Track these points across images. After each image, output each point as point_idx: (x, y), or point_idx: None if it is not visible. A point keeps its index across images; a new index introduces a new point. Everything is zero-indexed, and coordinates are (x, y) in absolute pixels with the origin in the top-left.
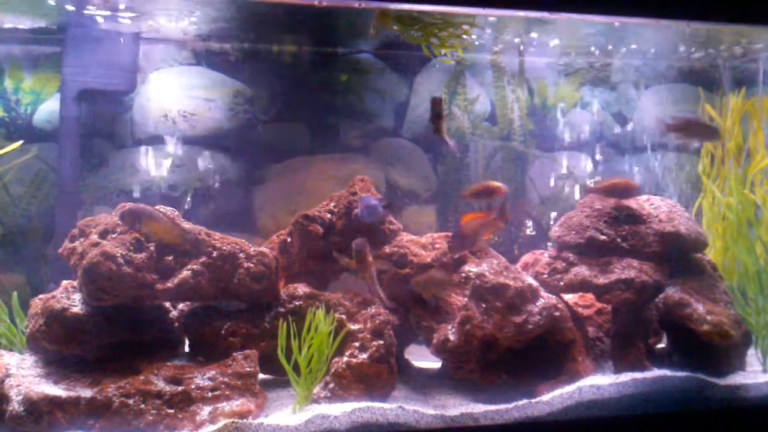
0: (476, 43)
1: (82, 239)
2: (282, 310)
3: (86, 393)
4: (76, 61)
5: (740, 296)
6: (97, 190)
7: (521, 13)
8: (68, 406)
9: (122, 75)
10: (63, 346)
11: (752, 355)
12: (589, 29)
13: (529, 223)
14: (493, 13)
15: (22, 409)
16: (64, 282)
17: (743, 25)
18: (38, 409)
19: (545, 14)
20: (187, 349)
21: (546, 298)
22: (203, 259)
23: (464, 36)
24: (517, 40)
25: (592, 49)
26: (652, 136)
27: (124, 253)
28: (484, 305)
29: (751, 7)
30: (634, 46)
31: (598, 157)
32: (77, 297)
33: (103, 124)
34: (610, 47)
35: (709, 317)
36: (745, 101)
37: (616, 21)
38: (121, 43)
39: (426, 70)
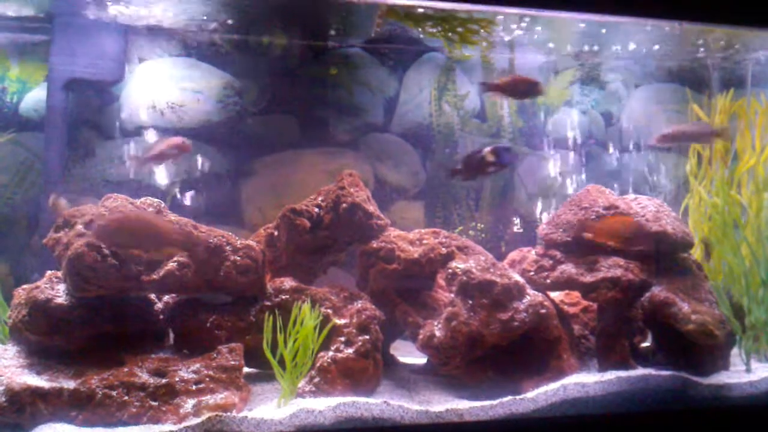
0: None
1: (67, 230)
2: (268, 303)
3: (69, 384)
4: (64, 50)
5: (725, 296)
6: (83, 180)
7: (511, 10)
8: (51, 398)
9: (110, 65)
10: (46, 337)
11: (735, 355)
12: (579, 27)
13: (517, 221)
14: (484, 10)
15: (3, 399)
16: (49, 272)
17: (734, 27)
18: (20, 399)
19: (533, 11)
20: (171, 341)
21: (532, 296)
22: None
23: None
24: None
25: (582, 47)
26: (641, 135)
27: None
28: (470, 302)
29: (741, 9)
30: (622, 46)
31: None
32: (61, 288)
33: (90, 114)
34: (599, 46)
35: (693, 317)
36: (733, 102)
37: (607, 19)
38: (109, 32)
39: (416, 65)
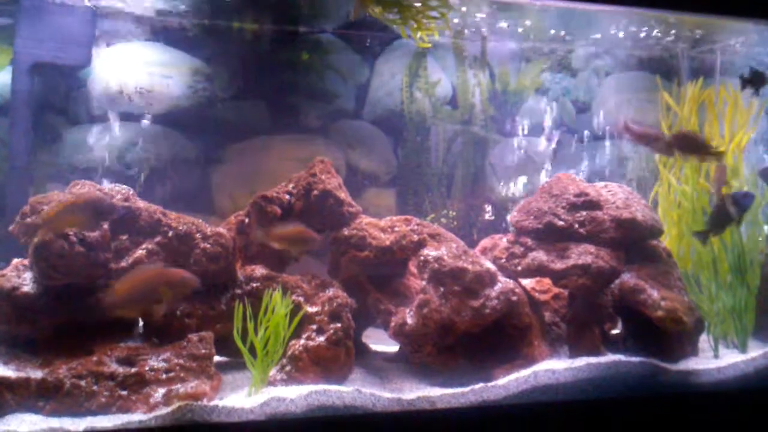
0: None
1: (33, 217)
2: (239, 291)
3: (37, 374)
4: (30, 34)
5: (694, 283)
6: (49, 166)
7: None
8: (18, 388)
9: (77, 49)
10: (13, 326)
11: (704, 341)
12: (551, 15)
13: (488, 208)
14: None
15: None
16: (15, 260)
17: (708, 16)
18: None
19: None
20: (141, 330)
21: (503, 283)
22: (159, 238)
23: (442, 18)
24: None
25: (554, 34)
26: (612, 123)
27: (77, 231)
28: (442, 289)
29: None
30: (594, 34)
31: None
32: (28, 276)
33: (57, 98)
34: (571, 34)
35: (663, 303)
36: (702, 90)
37: (581, 7)
38: (76, 16)
39: (388, 51)
